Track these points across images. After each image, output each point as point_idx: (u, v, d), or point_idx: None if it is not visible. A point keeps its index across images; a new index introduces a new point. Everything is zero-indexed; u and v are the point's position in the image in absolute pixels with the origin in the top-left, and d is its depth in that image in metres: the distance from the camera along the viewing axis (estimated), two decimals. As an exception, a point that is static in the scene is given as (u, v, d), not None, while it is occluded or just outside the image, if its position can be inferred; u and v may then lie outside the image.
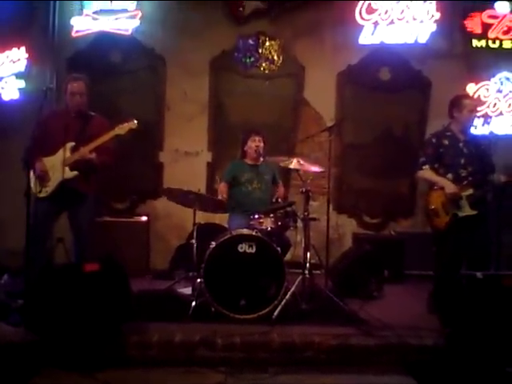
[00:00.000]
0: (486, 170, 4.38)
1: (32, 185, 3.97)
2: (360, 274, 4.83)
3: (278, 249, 4.11)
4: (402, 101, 6.23)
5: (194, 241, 4.23)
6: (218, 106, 6.33)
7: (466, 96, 4.84)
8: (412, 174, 5.70)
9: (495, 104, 6.08)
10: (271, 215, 4.31)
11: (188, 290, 4.50)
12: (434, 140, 4.50)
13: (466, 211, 4.20)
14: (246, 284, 4.02)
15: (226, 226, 4.95)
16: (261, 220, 4.27)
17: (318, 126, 6.04)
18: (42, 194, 4.15)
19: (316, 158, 5.93)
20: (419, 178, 4.71)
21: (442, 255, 4.33)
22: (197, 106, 6.29)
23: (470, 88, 6.01)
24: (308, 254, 4.28)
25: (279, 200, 4.81)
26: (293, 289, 4.11)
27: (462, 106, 4.38)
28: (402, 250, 5.71)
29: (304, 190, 4.31)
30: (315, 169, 4.57)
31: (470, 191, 4.22)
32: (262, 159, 4.83)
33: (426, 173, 4.45)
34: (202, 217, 4.93)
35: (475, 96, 5.95)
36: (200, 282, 4.06)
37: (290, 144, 6.15)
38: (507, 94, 6.07)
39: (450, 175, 4.34)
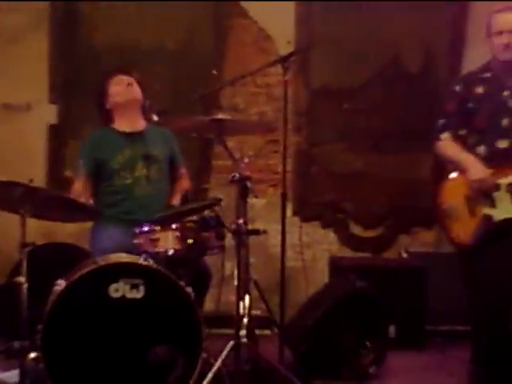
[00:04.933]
0: None
1: None
2: (344, 335, 4.61)
3: (189, 290, 3.83)
4: (421, 11, 5.92)
5: (21, 278, 3.84)
6: (66, 16, 5.92)
7: (499, 9, 4.54)
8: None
9: None
10: (174, 226, 4.05)
11: (11, 376, 4.10)
12: (458, 88, 4.32)
13: (507, 211, 4.11)
14: (126, 360, 3.70)
15: (87, 247, 4.62)
16: (155, 236, 4.04)
17: (263, 56, 5.75)
18: None
19: (259, 117, 5.87)
20: (437, 155, 4.58)
21: (473, 291, 4.27)
22: (25, 15, 5.88)
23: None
24: (246, 299, 3.97)
25: (187, 197, 4.58)
26: (218, 364, 3.76)
27: (490, 28, 4.26)
28: (423, 288, 5.28)
29: (237, 176, 3.99)
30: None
31: None
32: (154, 118, 4.53)
33: (445, 146, 4.37)
34: (39, 230, 4.56)
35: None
36: (35, 357, 3.74)
37: (210, 90, 5.60)
38: None
39: (481, 148, 4.21)
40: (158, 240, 4.06)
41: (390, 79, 6.06)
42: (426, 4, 6.05)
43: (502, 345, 4.05)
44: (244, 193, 4.05)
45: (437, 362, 4.97)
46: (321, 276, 5.80)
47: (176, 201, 4.67)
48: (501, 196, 4.14)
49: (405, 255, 5.62)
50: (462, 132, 4.30)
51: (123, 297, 3.79)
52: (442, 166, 4.80)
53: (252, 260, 4.23)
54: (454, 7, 6.09)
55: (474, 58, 5.57)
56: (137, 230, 4.08)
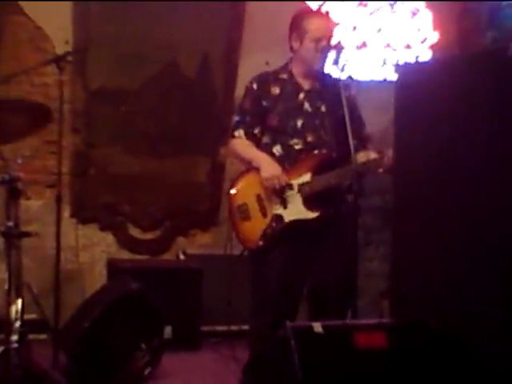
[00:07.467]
0: (357, 137, 4.02)
1: None
2: (119, 337, 4.57)
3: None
4: (198, 15, 5.96)
5: None
6: None
7: (310, 13, 4.60)
8: (216, 149, 5.80)
9: (355, 27, 6.06)
10: None
11: None
12: (255, 85, 4.23)
13: (298, 212, 4.06)
14: None
15: None
16: None
17: (40, 55, 5.54)
18: None
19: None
20: (230, 153, 4.52)
21: (257, 290, 4.26)
22: None
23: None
24: (19, 303, 3.97)
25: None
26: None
27: (302, 31, 4.13)
28: (198, 289, 5.38)
29: (8, 177, 3.96)
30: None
31: (307, 177, 4.05)
32: None
33: (238, 144, 4.24)
34: None
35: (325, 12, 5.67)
36: None
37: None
38: (375, 11, 6.03)
39: (277, 148, 4.16)
40: None
41: (167, 83, 6.03)
42: (204, 7, 6.03)
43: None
44: (15, 194, 3.97)
45: (211, 361, 5.11)
46: (99, 278, 5.77)
47: None
48: (292, 196, 4.07)
49: (182, 257, 5.59)
50: (256, 130, 4.23)
51: None
52: (219, 170, 4.87)
53: (28, 263, 4.22)
54: (230, 12, 6.10)
55: (251, 63, 5.87)
56: None
